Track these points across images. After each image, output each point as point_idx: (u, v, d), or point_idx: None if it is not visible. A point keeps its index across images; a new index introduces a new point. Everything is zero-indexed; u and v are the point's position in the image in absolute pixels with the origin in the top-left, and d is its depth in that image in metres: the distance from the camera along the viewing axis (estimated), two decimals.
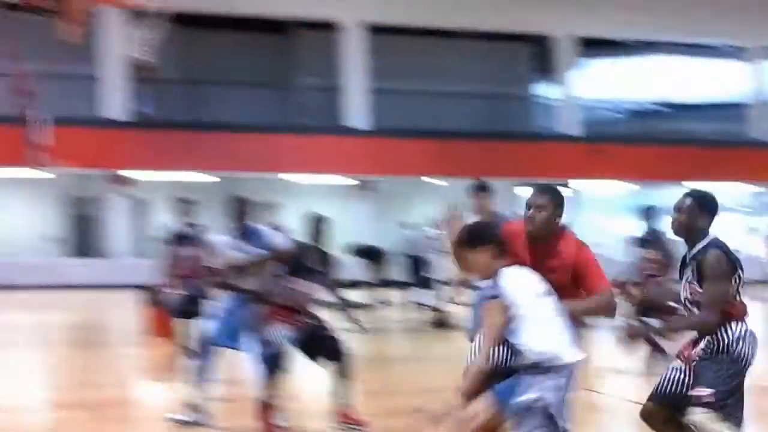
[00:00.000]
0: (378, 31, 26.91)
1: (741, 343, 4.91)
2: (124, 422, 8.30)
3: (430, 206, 27.73)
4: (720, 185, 27.74)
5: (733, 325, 4.94)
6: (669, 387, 5.08)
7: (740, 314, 5.00)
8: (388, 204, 26.13)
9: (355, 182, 26.38)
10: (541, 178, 27.79)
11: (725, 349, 4.91)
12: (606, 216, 29.22)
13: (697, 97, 34.00)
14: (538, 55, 31.23)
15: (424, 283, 16.80)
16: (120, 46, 22.16)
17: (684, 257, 5.15)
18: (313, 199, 27.33)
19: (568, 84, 28.73)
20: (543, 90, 31.74)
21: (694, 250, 5.03)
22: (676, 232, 5.14)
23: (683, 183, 24.40)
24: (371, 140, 26.05)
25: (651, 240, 10.08)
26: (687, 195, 5.09)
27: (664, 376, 5.15)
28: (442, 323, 15.13)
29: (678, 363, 5.12)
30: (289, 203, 26.59)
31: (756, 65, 29.73)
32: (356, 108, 26.63)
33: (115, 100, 24.73)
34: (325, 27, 26.96)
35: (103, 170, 24.56)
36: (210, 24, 27.47)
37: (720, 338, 4.92)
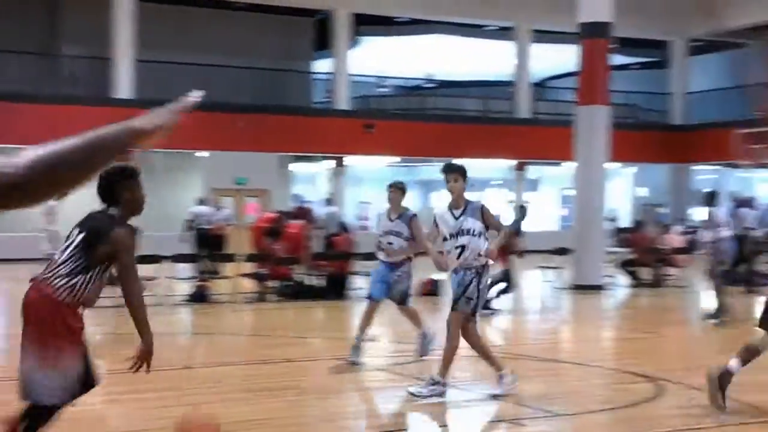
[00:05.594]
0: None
1: None
2: None
3: (197, 179, 27.10)
4: (486, 161, 28.66)
5: None
6: None
7: None
8: (158, 178, 25.28)
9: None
10: (314, 153, 27.84)
11: None
12: (375, 191, 29.50)
13: (465, 75, 34.97)
14: (317, 30, 31.08)
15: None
16: None
17: None
18: None
19: (343, 60, 28.63)
20: (321, 66, 31.56)
21: None
22: None
23: (452, 159, 24.75)
24: (135, 111, 24.98)
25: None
26: None
27: None
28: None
29: None
30: None
31: (522, 46, 30.55)
32: (123, 79, 25.53)
33: None
34: None
35: None
36: None
37: None
